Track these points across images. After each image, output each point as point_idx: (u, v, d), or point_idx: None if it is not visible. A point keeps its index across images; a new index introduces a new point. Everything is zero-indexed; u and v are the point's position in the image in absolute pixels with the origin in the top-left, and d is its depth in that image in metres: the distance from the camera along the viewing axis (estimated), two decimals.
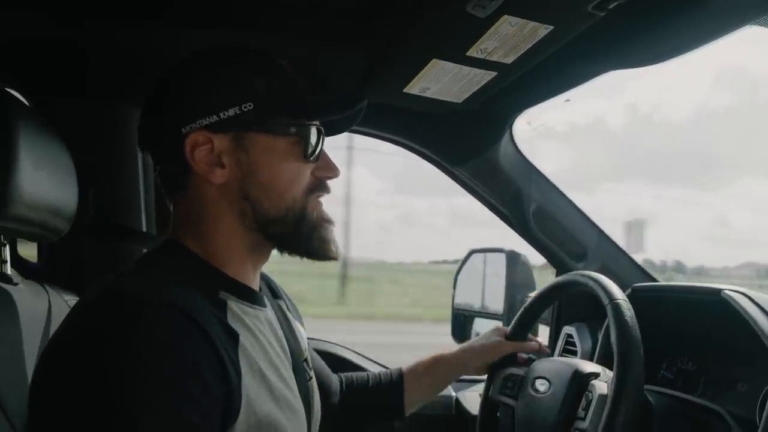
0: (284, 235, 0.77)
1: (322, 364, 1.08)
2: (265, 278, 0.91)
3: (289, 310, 0.94)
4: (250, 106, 0.72)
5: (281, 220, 0.75)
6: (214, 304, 0.70)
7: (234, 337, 0.68)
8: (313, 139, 0.77)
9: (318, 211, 0.79)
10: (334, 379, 1.10)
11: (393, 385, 1.13)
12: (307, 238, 0.78)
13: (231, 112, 0.72)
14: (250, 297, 0.77)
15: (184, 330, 0.60)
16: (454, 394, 1.62)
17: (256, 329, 0.74)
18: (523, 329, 1.17)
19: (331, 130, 0.83)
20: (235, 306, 0.73)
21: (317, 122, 0.78)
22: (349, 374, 1.16)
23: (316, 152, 0.77)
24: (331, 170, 0.80)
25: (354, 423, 1.15)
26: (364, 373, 1.17)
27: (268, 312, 0.81)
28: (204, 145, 0.72)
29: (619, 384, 0.84)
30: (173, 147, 0.73)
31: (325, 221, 0.79)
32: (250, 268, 0.79)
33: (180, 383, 0.58)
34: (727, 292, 1.02)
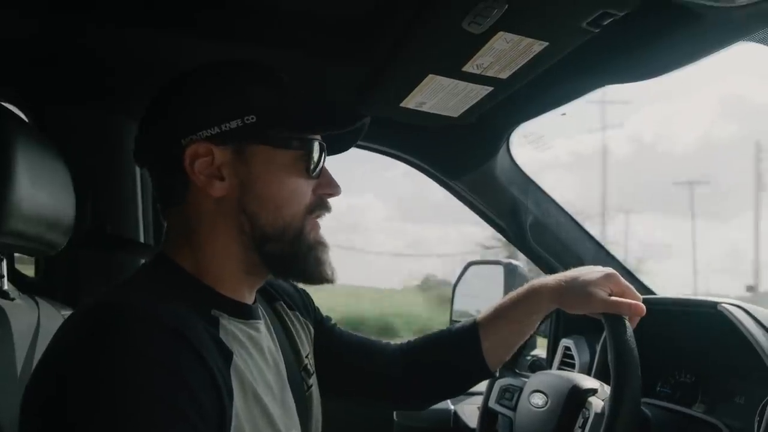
0: (280, 254, 0.75)
1: (357, 338, 1.03)
2: None
3: (290, 309, 0.92)
4: (252, 118, 0.71)
5: (278, 238, 0.74)
6: (207, 321, 0.68)
7: (227, 355, 0.67)
8: (316, 154, 0.75)
9: (315, 232, 0.77)
10: (381, 347, 1.03)
11: (466, 334, 1.00)
12: (303, 259, 0.76)
13: (233, 124, 0.71)
14: (244, 312, 0.76)
15: (176, 348, 0.59)
16: (452, 407, 1.62)
17: (249, 345, 0.73)
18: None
19: (334, 147, 0.82)
20: (228, 323, 0.71)
21: (319, 137, 0.77)
22: (414, 338, 1.06)
23: (318, 168, 0.76)
24: (333, 187, 0.79)
25: (429, 394, 1.05)
26: (433, 332, 1.06)
27: (263, 325, 0.80)
28: (204, 156, 0.71)
29: (615, 404, 0.83)
30: (172, 158, 0.72)
31: (320, 244, 0.77)
32: (246, 287, 0.77)
33: (172, 402, 0.57)
34: (723, 305, 1.02)
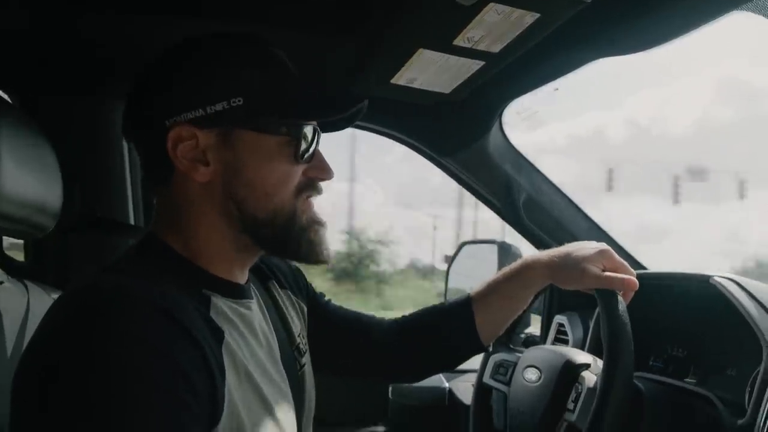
0: (272, 238, 0.73)
1: (350, 313, 1.02)
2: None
3: (282, 288, 0.91)
4: (239, 101, 0.68)
5: (269, 223, 0.72)
6: (197, 300, 0.67)
7: (218, 334, 0.65)
8: (307, 138, 0.72)
9: (308, 212, 0.75)
10: (375, 321, 1.03)
11: (460, 308, 0.99)
12: (296, 241, 0.74)
13: (218, 106, 0.67)
14: (235, 292, 0.74)
15: (168, 329, 0.58)
16: (446, 384, 1.63)
17: (241, 324, 0.72)
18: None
19: (328, 127, 0.79)
20: (219, 302, 0.70)
21: (312, 122, 0.74)
22: (408, 313, 1.05)
23: (309, 152, 0.73)
24: (324, 171, 0.76)
25: (423, 368, 1.06)
26: (427, 307, 1.05)
27: (254, 304, 0.79)
28: (188, 140, 0.68)
29: (608, 378, 0.83)
30: (156, 140, 0.69)
31: (315, 223, 0.75)
32: (237, 267, 0.76)
33: (166, 384, 0.56)
34: (716, 278, 1.02)
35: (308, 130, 0.72)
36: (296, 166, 0.73)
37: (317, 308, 0.98)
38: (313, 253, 0.75)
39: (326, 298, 1.02)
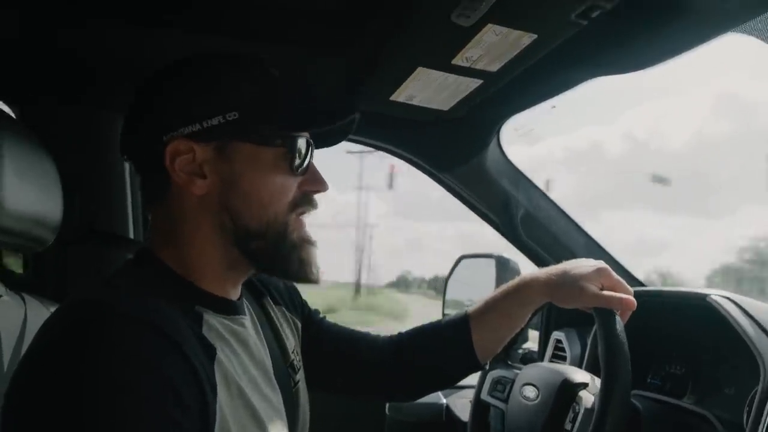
0: (262, 252, 0.73)
1: (345, 331, 1.02)
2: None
3: (277, 304, 0.91)
4: (234, 115, 0.69)
5: (261, 236, 0.72)
6: (190, 317, 0.68)
7: (210, 351, 0.66)
8: (301, 151, 0.73)
9: (299, 230, 0.75)
10: (370, 339, 1.03)
11: (457, 326, 0.99)
12: (286, 258, 0.74)
13: (214, 120, 0.69)
14: (228, 308, 0.75)
15: (159, 345, 0.58)
16: (444, 400, 1.62)
17: (233, 341, 0.72)
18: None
19: (323, 141, 0.80)
20: (211, 319, 0.71)
21: (306, 134, 0.75)
22: (405, 330, 1.05)
23: (304, 165, 0.74)
24: (319, 184, 0.77)
25: (419, 386, 1.05)
26: (424, 324, 1.05)
27: (248, 320, 0.79)
28: (185, 154, 0.70)
29: (605, 399, 0.83)
30: (153, 155, 0.70)
31: (306, 242, 0.76)
32: (230, 283, 0.76)
33: (156, 400, 0.56)
34: (713, 297, 1.02)
35: (302, 142, 0.74)
36: (292, 178, 0.74)
37: (312, 325, 0.98)
38: (303, 272, 0.75)
39: (321, 315, 1.02)
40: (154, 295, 0.65)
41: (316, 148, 0.78)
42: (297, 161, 0.73)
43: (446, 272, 1.73)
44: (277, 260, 0.74)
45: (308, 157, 0.75)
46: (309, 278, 0.76)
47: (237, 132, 0.70)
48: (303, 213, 0.76)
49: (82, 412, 0.53)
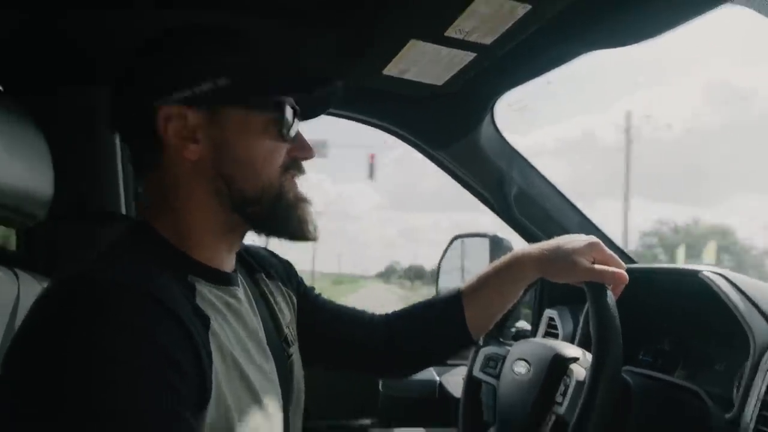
0: (261, 215, 0.74)
1: (341, 308, 1.02)
2: (242, 252, 0.88)
3: (271, 279, 0.91)
4: (224, 80, 0.70)
5: (257, 200, 0.73)
6: (183, 287, 0.68)
7: (204, 320, 0.66)
8: (289, 117, 0.74)
9: (294, 190, 0.76)
10: (365, 316, 1.03)
11: (450, 302, 1.00)
12: (284, 218, 0.75)
13: (205, 86, 0.70)
14: (221, 279, 0.75)
15: (155, 314, 0.59)
16: (437, 377, 1.63)
17: (227, 312, 0.72)
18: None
19: (306, 113, 0.80)
20: (204, 289, 0.71)
21: (293, 101, 0.75)
22: (399, 308, 1.06)
23: (292, 131, 0.75)
24: (306, 150, 0.78)
25: (413, 363, 1.05)
26: (418, 301, 1.06)
27: (241, 292, 0.79)
28: (177, 119, 0.70)
29: (596, 371, 0.83)
30: (145, 122, 0.70)
31: (301, 201, 0.77)
32: (224, 249, 0.77)
33: (152, 368, 0.56)
34: (705, 273, 1.02)
35: (289, 109, 0.74)
36: (281, 144, 0.74)
37: (307, 302, 0.98)
38: (301, 230, 0.77)
39: (316, 292, 1.02)
40: (148, 264, 0.65)
41: (303, 119, 0.78)
42: (286, 127, 0.74)
43: (427, 262, 1.73)
44: (275, 220, 0.75)
45: (296, 123, 0.75)
46: (307, 236, 0.77)
47: (227, 98, 0.71)
48: (294, 176, 0.77)
49: (78, 384, 0.53)
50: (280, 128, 0.73)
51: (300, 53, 1.16)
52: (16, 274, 0.95)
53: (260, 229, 0.78)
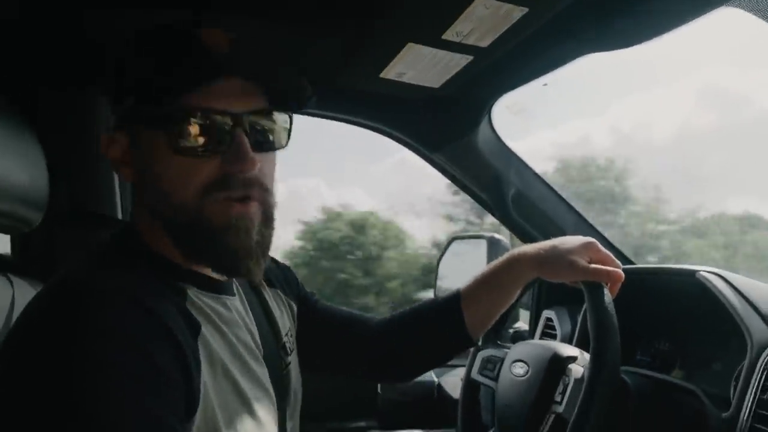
0: (181, 240, 0.68)
1: (340, 312, 1.01)
2: None
3: (271, 286, 0.90)
4: (131, 99, 0.67)
5: (173, 224, 0.68)
6: (173, 292, 0.67)
7: (194, 326, 0.65)
8: (190, 129, 0.64)
9: (222, 215, 0.66)
10: (365, 320, 1.02)
11: (449, 304, 0.99)
12: (204, 247, 0.67)
13: (118, 108, 0.70)
14: (212, 286, 0.73)
15: (141, 320, 0.58)
16: (435, 379, 1.63)
17: (218, 319, 0.71)
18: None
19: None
20: (194, 296, 0.69)
21: (229, 110, 0.65)
22: (398, 311, 1.04)
23: (194, 144, 0.65)
24: (240, 162, 0.65)
25: (413, 366, 1.05)
26: (416, 304, 1.05)
27: (236, 300, 0.78)
28: (115, 143, 0.71)
29: (595, 369, 0.84)
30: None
31: (231, 228, 0.67)
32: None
33: (139, 376, 0.55)
34: (702, 273, 1.02)
35: (198, 119, 0.64)
36: (196, 160, 0.66)
37: (307, 308, 0.98)
38: (230, 263, 0.69)
39: (316, 298, 1.02)
40: (137, 270, 0.65)
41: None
42: (183, 139, 0.65)
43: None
44: (194, 248, 0.68)
45: (215, 135, 0.66)
46: (239, 271, 0.69)
47: (134, 116, 0.68)
48: (227, 197, 0.67)
49: (65, 390, 0.53)
50: (175, 141, 0.65)
51: (299, 56, 1.16)
52: (10, 280, 0.95)
53: (189, 256, 0.70)
